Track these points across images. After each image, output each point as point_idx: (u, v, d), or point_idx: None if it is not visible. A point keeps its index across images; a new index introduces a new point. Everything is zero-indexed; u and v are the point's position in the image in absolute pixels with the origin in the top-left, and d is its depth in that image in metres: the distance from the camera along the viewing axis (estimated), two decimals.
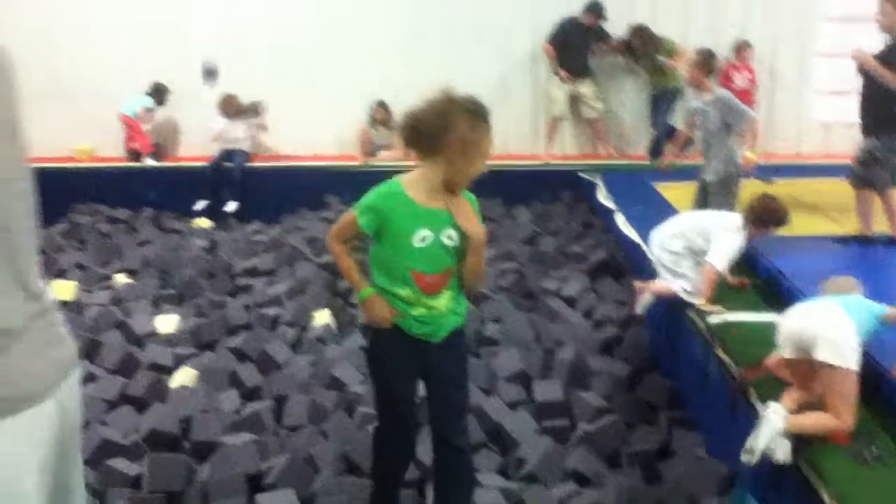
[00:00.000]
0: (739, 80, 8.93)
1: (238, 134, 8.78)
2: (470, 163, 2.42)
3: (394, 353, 2.60)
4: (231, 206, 8.50)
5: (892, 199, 5.36)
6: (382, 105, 8.99)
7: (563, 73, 9.00)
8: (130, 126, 9.07)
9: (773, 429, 3.07)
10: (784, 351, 3.30)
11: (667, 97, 8.88)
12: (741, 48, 9.08)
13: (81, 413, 1.59)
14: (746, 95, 8.37)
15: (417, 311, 2.53)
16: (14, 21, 8.69)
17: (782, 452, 3.05)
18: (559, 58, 9.01)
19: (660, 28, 8.93)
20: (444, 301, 2.53)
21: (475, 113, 2.43)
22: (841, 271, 4.90)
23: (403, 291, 2.48)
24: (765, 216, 4.38)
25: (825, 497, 2.86)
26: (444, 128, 2.37)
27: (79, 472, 1.62)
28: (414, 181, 2.46)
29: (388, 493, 2.92)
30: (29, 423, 1.36)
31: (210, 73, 9.17)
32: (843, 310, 3.13)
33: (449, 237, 2.47)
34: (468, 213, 2.53)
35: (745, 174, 5.45)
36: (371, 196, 2.47)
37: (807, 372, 3.19)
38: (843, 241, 5.46)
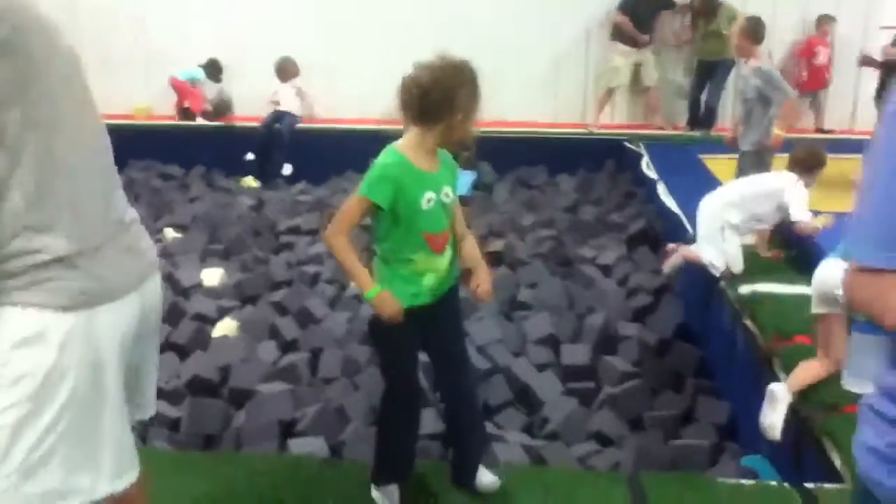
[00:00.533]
0: (822, 55, 8.76)
1: (286, 96, 8.93)
2: (468, 129, 2.48)
3: (399, 332, 2.57)
4: (287, 170, 8.69)
5: None
6: None
7: (633, 40, 8.82)
8: (181, 89, 9.30)
9: (777, 401, 3.13)
10: (814, 307, 3.34)
11: (722, 68, 8.74)
12: (823, 23, 8.85)
13: (159, 314, 1.95)
14: (823, 72, 8.20)
15: (427, 280, 2.56)
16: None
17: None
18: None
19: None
20: (446, 260, 2.58)
21: (476, 80, 2.47)
22: None
23: (416, 256, 2.52)
24: (810, 162, 4.50)
25: (838, 463, 2.91)
26: (450, 97, 2.40)
27: (153, 362, 1.98)
28: (410, 147, 2.49)
29: (398, 459, 2.78)
30: (114, 313, 1.72)
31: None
32: None
33: (446, 195, 2.54)
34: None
35: (778, 149, 5.42)
36: (378, 169, 2.47)
37: (829, 329, 3.23)
38: None
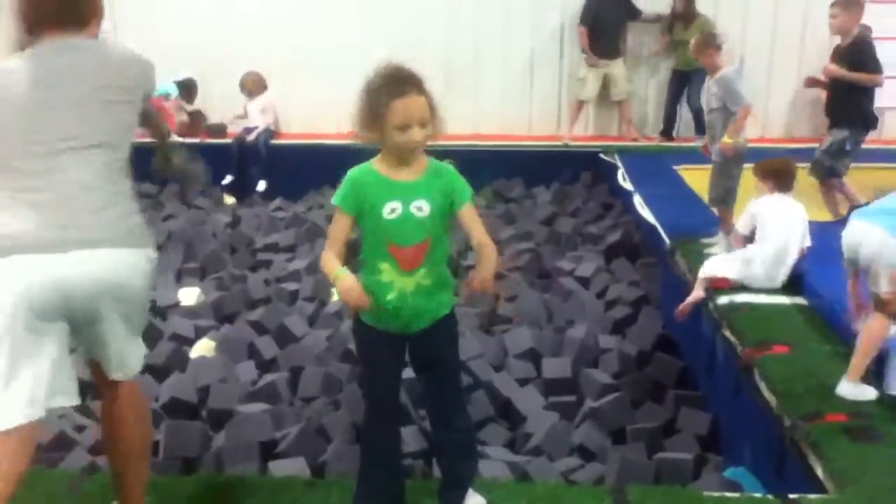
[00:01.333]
0: None
1: (254, 111, 8.90)
2: (403, 133, 2.36)
3: (374, 346, 2.56)
4: (261, 186, 8.67)
5: (846, 184, 5.78)
6: None
7: (591, 57, 8.85)
8: (157, 107, 9.17)
9: None
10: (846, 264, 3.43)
11: (699, 75, 8.78)
12: None
13: (139, 295, 2.35)
14: None
15: (391, 296, 2.47)
16: None
17: None
18: (591, 39, 8.81)
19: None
20: (417, 279, 2.46)
21: (398, 87, 2.36)
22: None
23: (383, 265, 2.47)
24: (774, 172, 4.59)
25: (820, 474, 2.92)
26: (376, 106, 2.37)
27: (113, 322, 2.27)
28: (382, 156, 2.48)
29: (377, 480, 2.71)
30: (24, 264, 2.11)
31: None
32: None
33: (419, 207, 2.43)
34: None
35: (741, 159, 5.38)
36: (345, 177, 2.49)
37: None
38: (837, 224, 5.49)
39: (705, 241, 5.18)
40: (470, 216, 2.49)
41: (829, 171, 5.69)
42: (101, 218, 2.24)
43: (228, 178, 8.71)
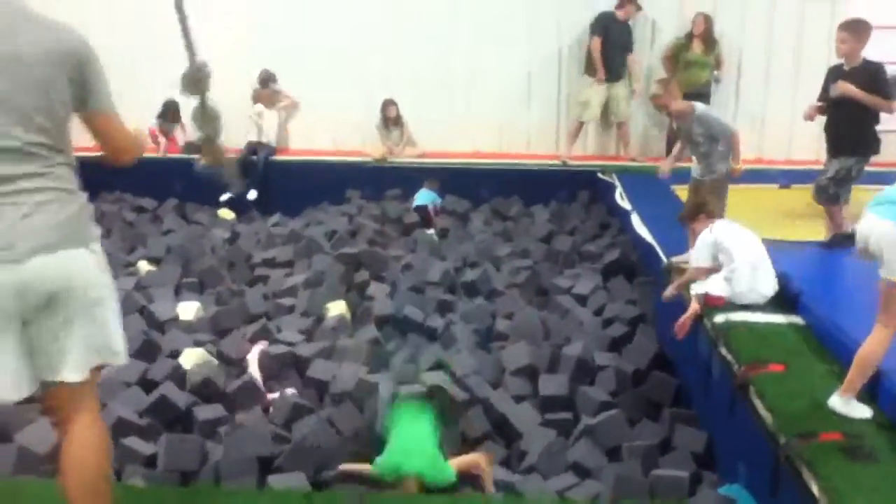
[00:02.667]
0: None
1: (270, 121, 8.96)
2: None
3: None
4: (252, 195, 8.66)
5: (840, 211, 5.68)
6: (392, 103, 9.05)
7: (601, 72, 8.84)
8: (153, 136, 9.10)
9: None
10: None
11: (705, 95, 8.85)
12: None
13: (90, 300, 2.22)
14: None
15: None
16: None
17: None
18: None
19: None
20: None
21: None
22: (850, 278, 5.00)
23: None
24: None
25: (815, 492, 2.93)
26: None
27: (58, 331, 2.20)
28: None
29: None
30: None
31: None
32: None
33: None
34: None
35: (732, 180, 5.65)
36: None
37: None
38: (835, 243, 5.53)
39: (676, 258, 5.23)
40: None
41: (833, 199, 5.56)
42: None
43: (227, 195, 8.71)
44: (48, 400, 2.27)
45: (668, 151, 9.03)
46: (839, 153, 5.56)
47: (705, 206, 4.91)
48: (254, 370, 4.63)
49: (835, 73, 5.54)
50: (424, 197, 8.15)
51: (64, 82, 2.17)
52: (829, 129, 5.66)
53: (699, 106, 5.66)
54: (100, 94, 2.27)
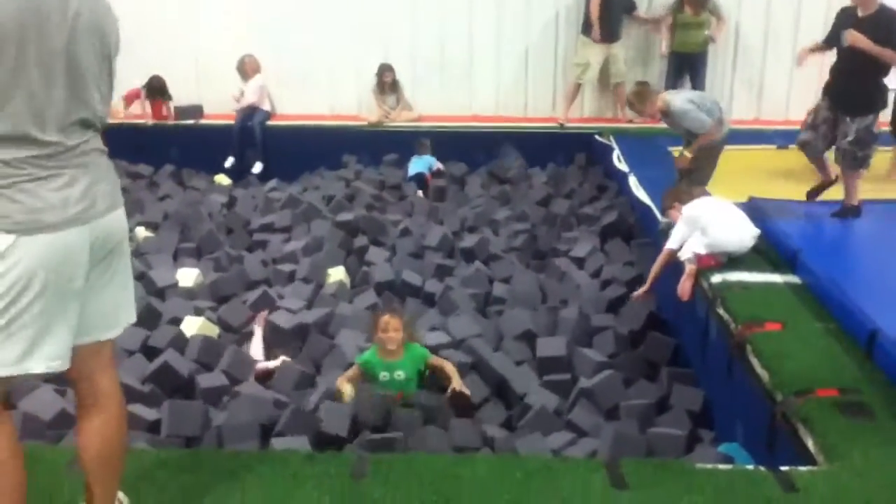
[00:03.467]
0: None
1: (251, 93, 8.91)
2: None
3: None
4: (257, 168, 8.71)
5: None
6: (389, 68, 9.00)
7: (597, 32, 8.77)
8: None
9: None
10: None
11: (702, 59, 8.82)
12: None
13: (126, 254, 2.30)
14: None
15: None
16: None
17: None
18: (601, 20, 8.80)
19: None
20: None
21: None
22: (847, 238, 5.01)
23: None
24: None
25: (811, 448, 2.97)
26: None
27: (116, 288, 2.27)
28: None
29: None
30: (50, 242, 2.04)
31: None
32: None
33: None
34: None
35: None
36: None
37: None
38: (845, 213, 5.31)
39: (664, 220, 5.25)
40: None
41: (861, 162, 5.17)
42: None
43: (231, 161, 8.75)
44: (75, 363, 2.22)
45: None
46: (857, 112, 5.14)
47: (679, 196, 4.92)
48: (257, 344, 4.66)
49: (847, 19, 5.13)
50: (418, 164, 8.11)
51: (110, 58, 2.24)
52: (839, 86, 5.24)
53: (674, 102, 5.65)
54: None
